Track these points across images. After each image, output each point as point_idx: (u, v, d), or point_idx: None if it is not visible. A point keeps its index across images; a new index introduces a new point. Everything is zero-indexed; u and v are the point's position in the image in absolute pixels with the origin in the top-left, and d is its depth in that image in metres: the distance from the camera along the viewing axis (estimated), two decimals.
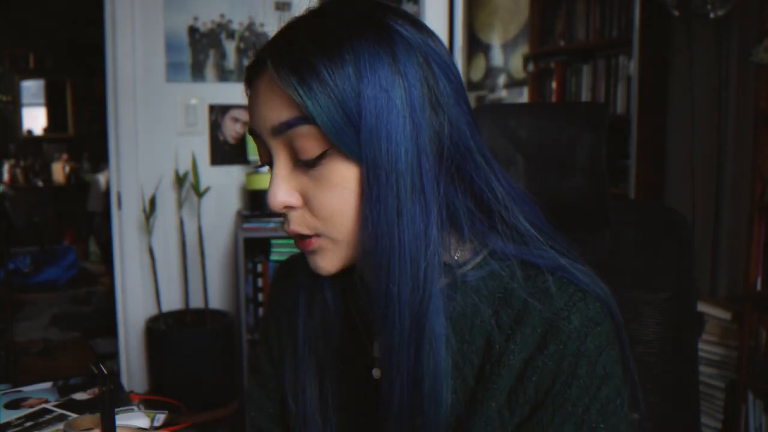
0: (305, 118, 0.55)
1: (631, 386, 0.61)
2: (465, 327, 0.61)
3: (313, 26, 0.58)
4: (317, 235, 0.60)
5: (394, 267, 0.56)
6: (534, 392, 0.58)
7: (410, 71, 0.57)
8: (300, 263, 0.73)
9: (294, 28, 0.59)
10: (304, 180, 0.59)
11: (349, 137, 0.55)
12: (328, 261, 0.62)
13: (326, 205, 0.58)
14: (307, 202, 0.59)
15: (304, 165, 0.58)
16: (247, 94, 0.63)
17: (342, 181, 0.57)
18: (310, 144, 0.56)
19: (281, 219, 2.42)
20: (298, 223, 0.60)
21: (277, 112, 0.57)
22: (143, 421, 0.59)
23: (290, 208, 0.60)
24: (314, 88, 0.54)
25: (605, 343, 0.59)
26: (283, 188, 0.59)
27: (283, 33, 0.59)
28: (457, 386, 0.61)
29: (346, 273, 0.67)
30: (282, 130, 0.57)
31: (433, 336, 0.57)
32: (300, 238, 0.61)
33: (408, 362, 0.58)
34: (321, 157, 0.57)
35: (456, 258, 0.63)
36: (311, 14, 0.60)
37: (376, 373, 0.67)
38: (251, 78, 0.61)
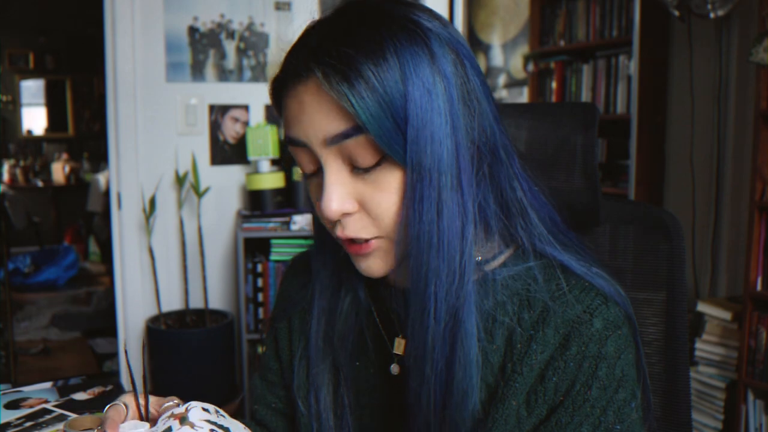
0: (360, 128, 0.55)
1: (643, 389, 0.62)
2: (488, 325, 0.62)
3: (349, 30, 0.56)
4: (376, 237, 0.60)
5: (434, 264, 0.57)
6: (553, 393, 0.59)
7: (447, 68, 0.56)
8: (315, 262, 0.73)
9: (329, 32, 0.57)
10: (359, 185, 0.58)
11: (398, 143, 0.55)
12: (384, 262, 0.61)
13: (387, 208, 0.58)
14: (364, 207, 0.59)
15: (359, 171, 0.58)
16: (276, 103, 0.62)
17: (400, 186, 0.57)
18: (366, 151, 0.56)
19: (281, 219, 2.41)
20: (356, 228, 0.59)
21: (330, 123, 0.56)
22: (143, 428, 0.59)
23: (346, 214, 0.59)
24: (365, 97, 0.53)
25: (623, 346, 0.60)
26: (339, 195, 0.58)
27: (318, 37, 0.57)
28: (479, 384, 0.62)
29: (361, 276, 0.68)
30: (337, 140, 0.56)
31: (465, 332, 0.58)
32: (352, 242, 0.61)
33: (443, 357, 0.58)
34: (377, 164, 0.57)
35: (479, 257, 0.64)
36: (339, 16, 0.58)
37: (394, 369, 0.68)
38: (285, 87, 0.59)
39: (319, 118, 0.56)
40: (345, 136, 0.55)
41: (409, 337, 0.60)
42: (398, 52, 0.54)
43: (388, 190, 0.57)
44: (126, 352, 0.75)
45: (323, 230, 0.68)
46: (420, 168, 0.55)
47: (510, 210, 0.62)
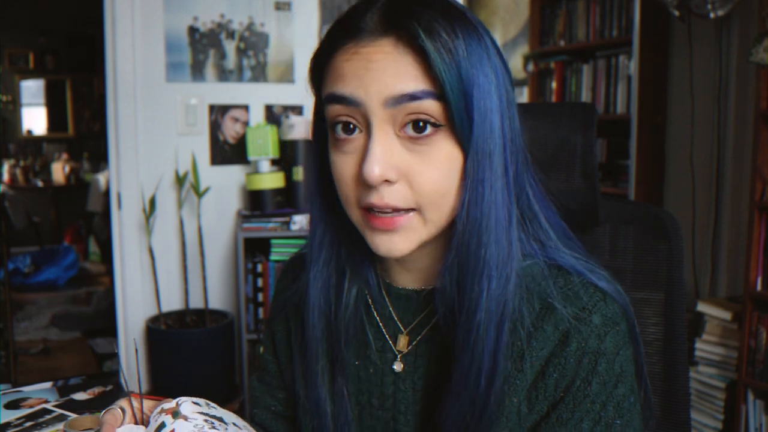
0: (433, 94, 0.55)
1: (643, 388, 0.63)
2: None
3: (425, 7, 0.57)
4: (410, 211, 0.59)
5: (485, 248, 0.58)
6: (553, 389, 0.60)
7: (497, 65, 0.59)
8: (312, 251, 0.72)
9: (406, 3, 0.57)
10: (405, 154, 0.58)
11: (464, 120, 0.56)
12: (409, 240, 0.60)
13: (432, 182, 0.58)
14: (408, 178, 0.58)
15: (409, 139, 0.58)
16: (318, 64, 0.61)
17: (447, 161, 0.58)
18: (425, 118, 0.57)
19: (281, 219, 2.39)
20: (395, 197, 0.58)
21: (401, 82, 0.55)
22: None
23: (387, 182, 0.58)
24: (450, 66, 0.55)
25: (622, 342, 0.60)
26: (385, 159, 0.57)
27: (403, 1, 0.57)
28: None
29: (368, 268, 0.69)
30: (402, 101, 0.56)
31: (505, 316, 0.59)
32: (377, 215, 0.59)
33: (490, 343, 0.58)
34: (432, 134, 0.57)
35: None
36: None
37: (397, 366, 0.68)
38: (342, 46, 0.58)
39: (388, 76, 0.56)
40: (413, 97, 0.55)
41: (462, 315, 0.60)
42: (466, 41, 0.56)
43: (437, 164, 0.57)
44: (117, 354, 0.74)
45: (325, 219, 0.67)
46: (482, 150, 0.57)
47: (521, 209, 0.63)
